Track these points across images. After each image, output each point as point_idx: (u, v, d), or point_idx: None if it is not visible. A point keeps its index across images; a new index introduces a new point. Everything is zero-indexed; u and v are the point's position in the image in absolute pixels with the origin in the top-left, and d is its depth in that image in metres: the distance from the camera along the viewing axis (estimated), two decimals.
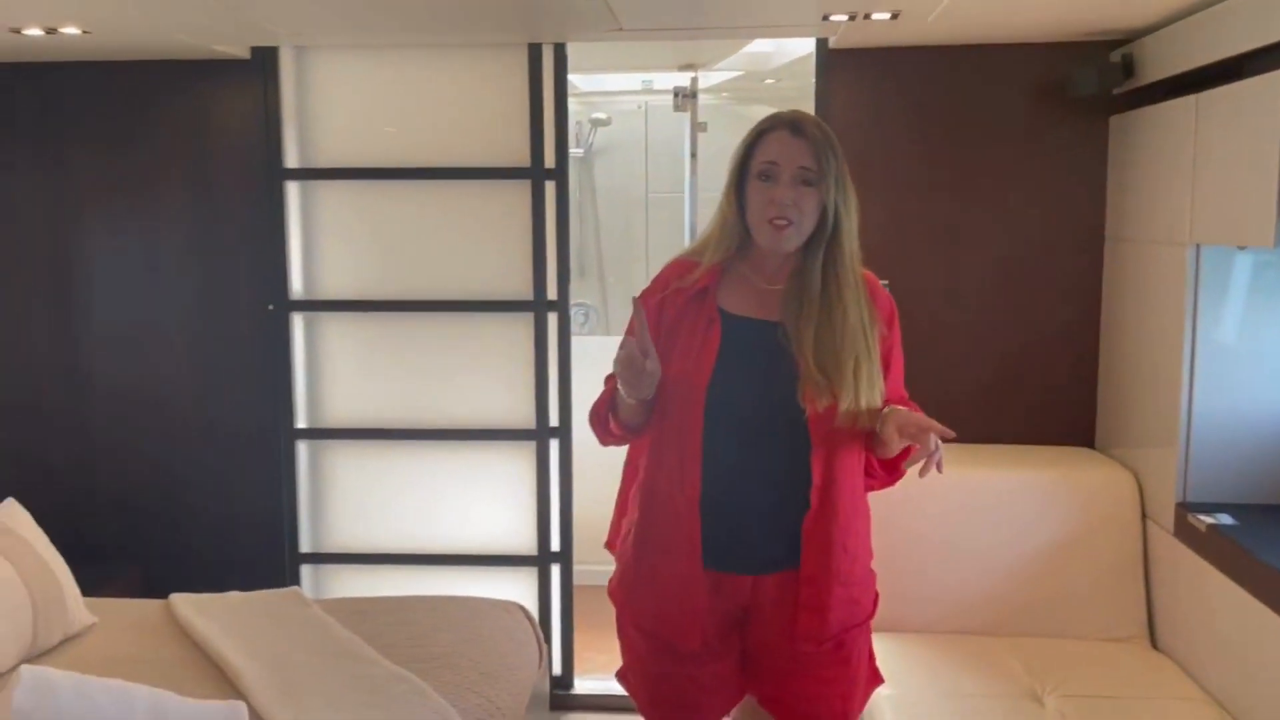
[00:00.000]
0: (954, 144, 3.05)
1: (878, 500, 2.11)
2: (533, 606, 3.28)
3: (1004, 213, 3.06)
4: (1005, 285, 3.08)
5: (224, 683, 2.17)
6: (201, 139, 3.26)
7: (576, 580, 3.33)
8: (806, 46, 3.24)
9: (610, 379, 1.88)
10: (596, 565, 4.26)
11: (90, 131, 3.28)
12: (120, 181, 3.30)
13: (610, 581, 1.98)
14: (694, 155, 4.40)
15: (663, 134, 5.08)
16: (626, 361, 1.72)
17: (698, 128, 4.39)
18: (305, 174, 3.23)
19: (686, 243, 4.23)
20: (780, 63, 4.18)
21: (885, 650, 2.58)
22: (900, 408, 1.77)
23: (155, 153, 3.28)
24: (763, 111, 5.36)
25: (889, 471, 1.88)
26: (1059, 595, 2.73)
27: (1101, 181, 3.01)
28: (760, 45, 3.89)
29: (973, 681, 2.44)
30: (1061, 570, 2.73)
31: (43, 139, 3.28)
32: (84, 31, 2.72)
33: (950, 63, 3.02)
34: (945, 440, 1.66)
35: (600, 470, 4.54)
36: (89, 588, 3.05)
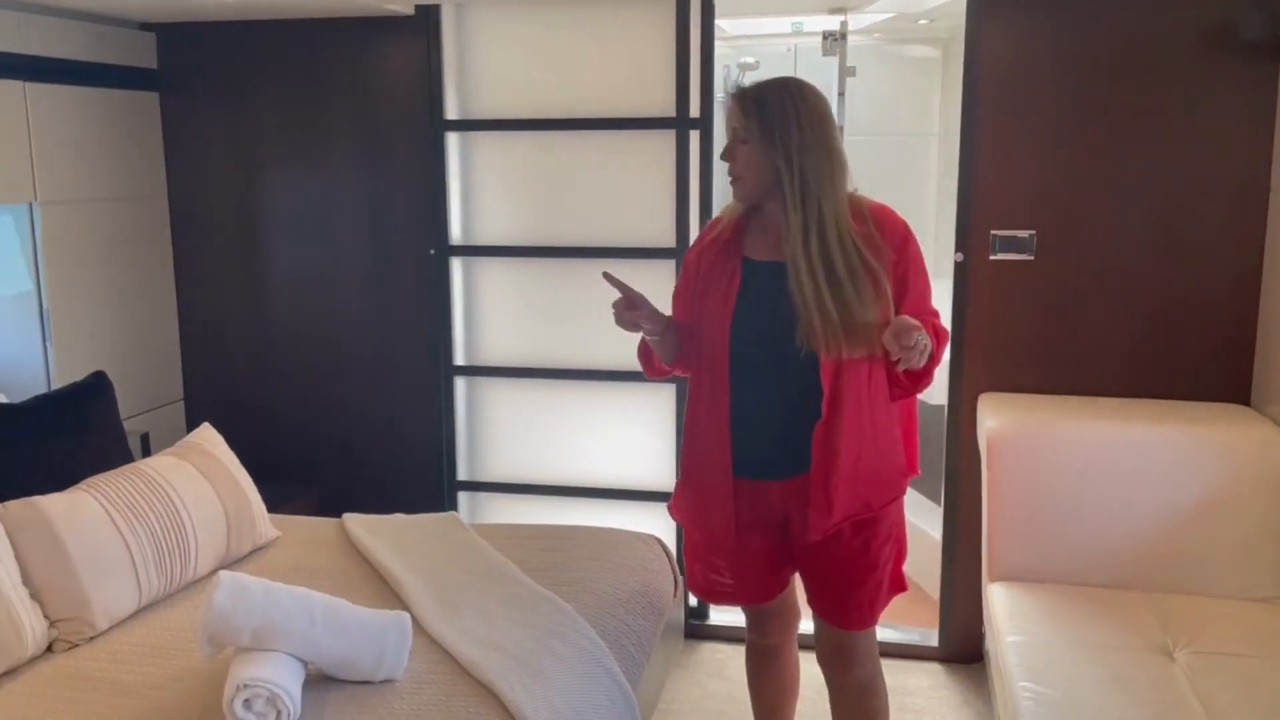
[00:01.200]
0: (1110, 89, 2.95)
1: (1020, 450, 2.48)
2: (670, 541, 3.43)
3: (1162, 161, 2.95)
4: (1161, 236, 2.99)
5: (389, 594, 2.40)
6: (370, 92, 3.47)
7: None
8: None
9: None
10: None
11: (272, 85, 3.54)
12: (298, 132, 3.55)
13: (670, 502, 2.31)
14: (841, 96, 4.37)
15: (811, 76, 4.93)
16: (620, 323, 2.09)
17: (846, 72, 4.35)
18: (464, 125, 3.41)
19: None
20: (934, 3, 4.09)
21: (1016, 599, 2.63)
22: (902, 316, 1.92)
23: (329, 105, 3.52)
24: (916, 52, 5.28)
25: (913, 381, 2.06)
26: (1202, 553, 2.68)
27: (1269, 131, 2.87)
28: None
29: (1102, 633, 2.45)
30: (1207, 528, 2.69)
31: (231, 93, 3.57)
32: None
33: (1109, 4, 2.92)
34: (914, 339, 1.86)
35: None
36: (272, 506, 3.36)
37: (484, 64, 3.40)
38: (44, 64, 3.09)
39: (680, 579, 2.83)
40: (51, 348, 3.17)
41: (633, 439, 3.48)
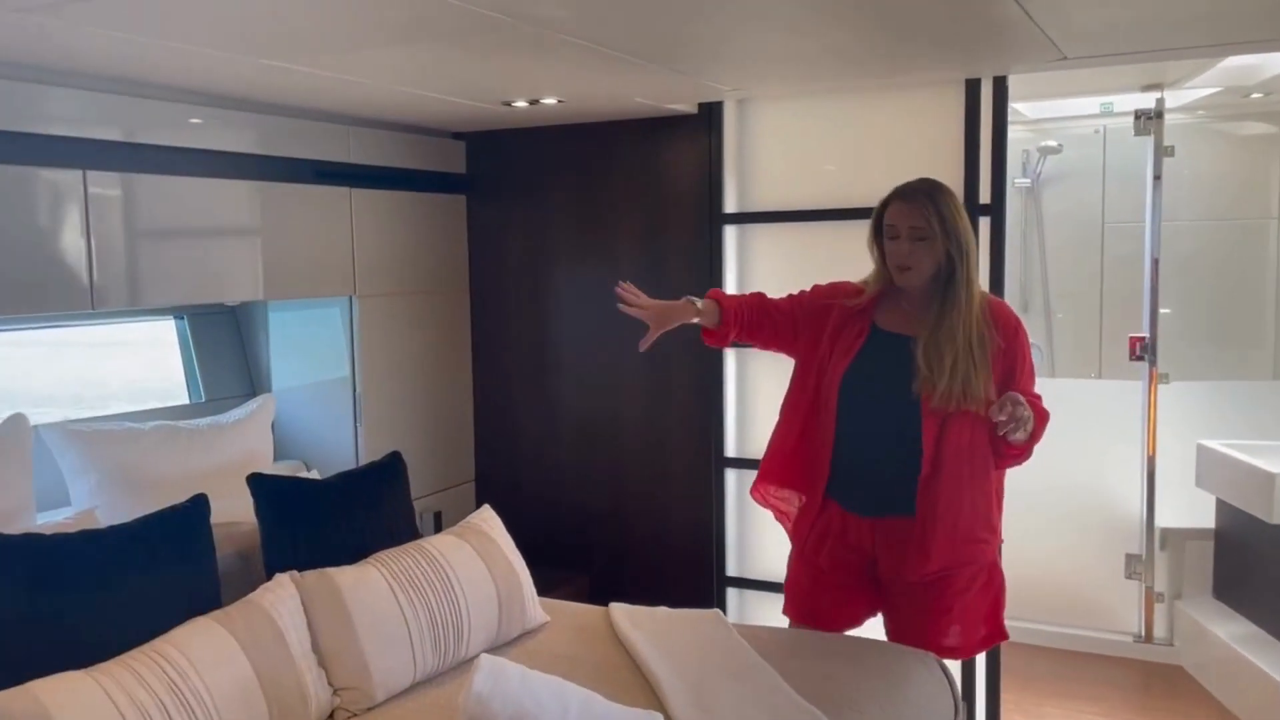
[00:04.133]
0: None
1: None
2: (955, 662, 3.16)
3: None
4: None
5: (646, 689, 2.34)
6: (653, 187, 3.58)
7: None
8: None
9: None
10: (1026, 623, 4.01)
11: (563, 183, 3.73)
12: (585, 225, 3.71)
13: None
14: (1158, 179, 4.02)
15: (1124, 158, 4.68)
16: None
17: (1163, 152, 4.00)
18: (741, 218, 3.42)
19: (1146, 273, 3.92)
20: (1269, 74, 3.69)
21: None
22: (1011, 392, 2.29)
23: (615, 200, 3.65)
24: (1247, 128, 4.82)
25: (1016, 454, 2.40)
26: None
27: None
28: (1244, 57, 3.46)
29: None
30: None
31: (527, 193, 3.80)
32: (559, 101, 3.11)
33: None
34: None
35: (1035, 524, 4.26)
36: (548, 588, 3.43)
37: (763, 156, 3.41)
38: (367, 171, 3.43)
39: (961, 705, 2.58)
40: (361, 428, 3.45)
41: None
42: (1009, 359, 2.40)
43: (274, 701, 2.11)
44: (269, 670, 2.12)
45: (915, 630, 2.53)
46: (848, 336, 2.48)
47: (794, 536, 2.67)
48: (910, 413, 2.37)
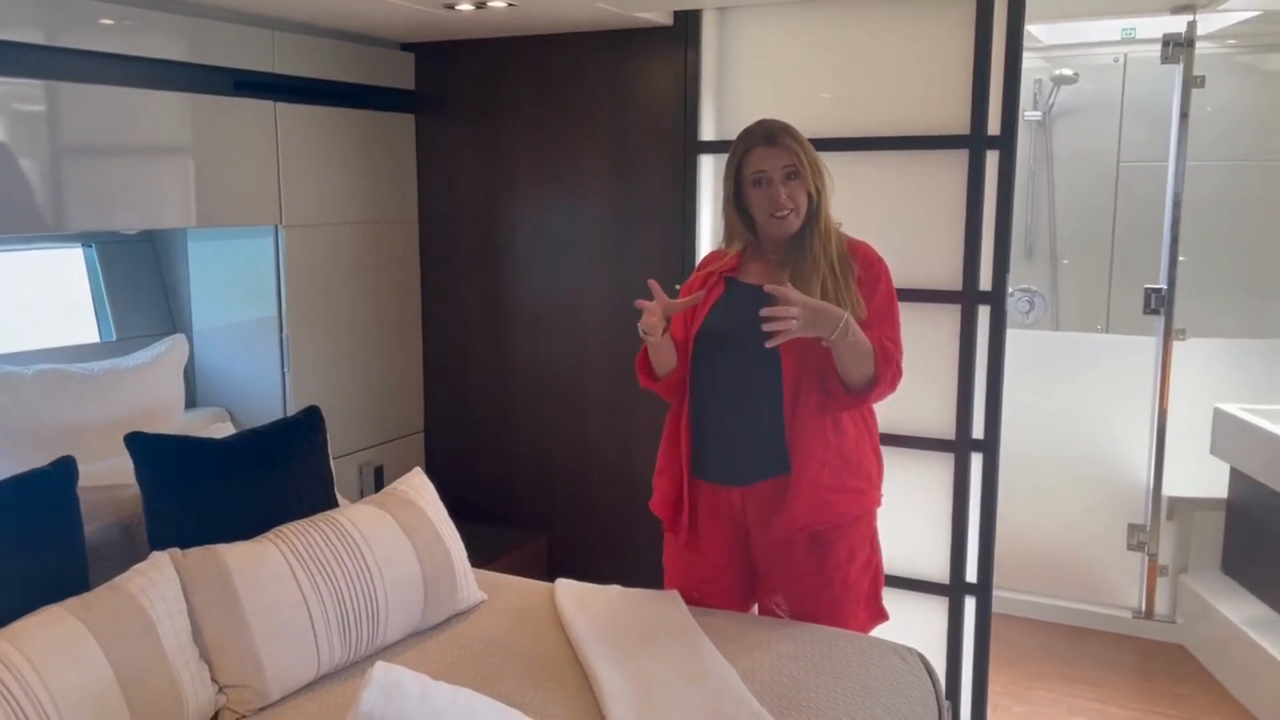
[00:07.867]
0: None
1: None
2: (940, 642, 2.87)
3: None
4: None
5: (585, 688, 2.04)
6: (622, 110, 3.20)
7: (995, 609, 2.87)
8: None
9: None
10: (1018, 594, 3.73)
11: (523, 103, 3.34)
12: (547, 150, 3.33)
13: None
14: (1185, 115, 3.64)
15: (1145, 90, 4.29)
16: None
17: (1192, 83, 3.61)
18: (719, 147, 3.03)
19: (1167, 217, 3.64)
20: None
21: None
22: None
23: (579, 121, 3.27)
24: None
25: (853, 397, 2.20)
26: None
27: None
28: None
29: None
30: None
31: (484, 113, 3.40)
32: (509, 4, 2.71)
33: None
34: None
35: (1031, 489, 3.94)
36: (503, 549, 3.19)
37: (745, 76, 3.01)
38: (295, 83, 3.02)
39: (946, 705, 2.28)
40: (290, 374, 3.10)
41: (899, 516, 2.93)
42: (864, 287, 2.23)
43: (138, 706, 1.78)
44: (132, 669, 1.79)
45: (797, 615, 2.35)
46: (707, 298, 2.29)
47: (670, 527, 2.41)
48: (770, 357, 2.17)
